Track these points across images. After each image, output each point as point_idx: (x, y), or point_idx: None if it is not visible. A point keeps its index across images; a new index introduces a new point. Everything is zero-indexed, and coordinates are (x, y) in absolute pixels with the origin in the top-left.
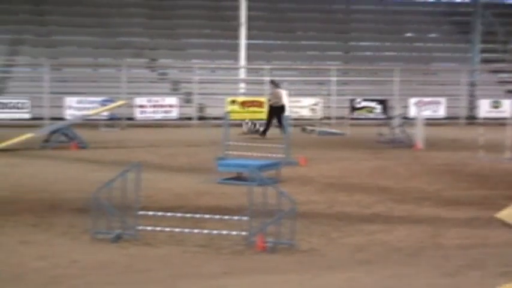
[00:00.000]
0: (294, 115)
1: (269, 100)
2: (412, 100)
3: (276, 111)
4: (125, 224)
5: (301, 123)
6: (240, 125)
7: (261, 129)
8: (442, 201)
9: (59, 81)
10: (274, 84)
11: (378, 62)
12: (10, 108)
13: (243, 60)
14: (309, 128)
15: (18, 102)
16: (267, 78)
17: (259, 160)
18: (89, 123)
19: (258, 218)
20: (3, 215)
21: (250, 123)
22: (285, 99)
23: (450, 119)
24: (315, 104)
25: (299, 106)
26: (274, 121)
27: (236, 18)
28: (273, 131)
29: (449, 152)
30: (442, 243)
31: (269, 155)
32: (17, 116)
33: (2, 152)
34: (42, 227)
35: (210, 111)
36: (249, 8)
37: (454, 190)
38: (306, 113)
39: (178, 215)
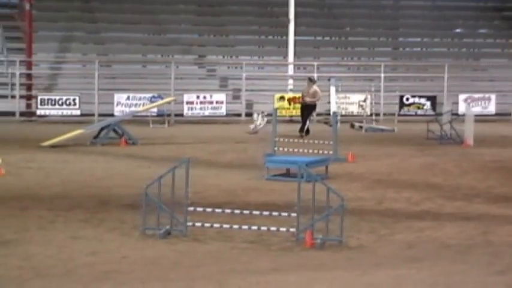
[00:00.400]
0: (343, 111)
1: (303, 96)
2: (462, 96)
3: (308, 108)
4: (174, 220)
5: (350, 120)
6: (293, 122)
7: (257, 126)
8: (493, 198)
9: (108, 77)
10: (312, 81)
11: (426, 58)
12: (60, 104)
13: (291, 57)
14: (358, 124)
15: (68, 99)
16: (316, 75)
17: (308, 156)
18: (138, 119)
19: (307, 215)
20: (54, 211)
21: (258, 120)
22: (332, 97)
23: (500, 115)
24: (364, 101)
25: (347, 102)
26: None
27: (284, 14)
28: (318, 127)
29: (500, 149)
30: (493, 240)
31: (317, 151)
32: (67, 112)
33: (53, 148)
34: (93, 222)
35: (259, 108)
36: (297, 4)
37: (505, 187)
38: (354, 109)
39: (227, 211)
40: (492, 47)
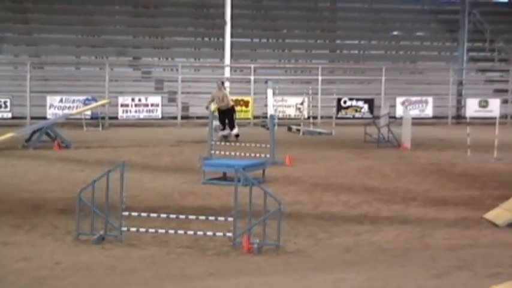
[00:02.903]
0: (280, 114)
1: (215, 103)
2: (399, 99)
3: (227, 113)
4: (108, 225)
5: (287, 123)
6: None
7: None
8: (430, 202)
9: (40, 79)
10: (223, 85)
11: (364, 60)
12: None
13: (227, 59)
14: (295, 127)
15: None
16: (253, 77)
17: (245, 160)
18: (71, 122)
19: (244, 219)
20: None
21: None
22: (270, 99)
23: (437, 119)
24: (301, 103)
25: (285, 105)
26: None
27: (221, 16)
28: (255, 131)
29: (437, 152)
30: (430, 244)
31: (254, 154)
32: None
33: None
34: (25, 228)
35: (194, 110)
36: (234, 6)
37: (442, 190)
38: (291, 112)
39: (163, 215)
40: (429, 50)
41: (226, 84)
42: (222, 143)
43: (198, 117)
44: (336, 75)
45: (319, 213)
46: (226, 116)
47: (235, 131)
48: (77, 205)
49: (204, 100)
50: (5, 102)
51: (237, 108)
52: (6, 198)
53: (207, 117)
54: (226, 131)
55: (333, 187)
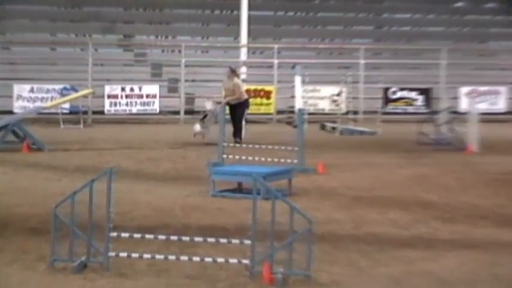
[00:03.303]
0: (311, 108)
1: (225, 96)
2: (464, 90)
3: (238, 109)
4: (92, 248)
5: (320, 119)
6: (247, 121)
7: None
8: (503, 221)
9: (5, 63)
10: (233, 72)
11: (418, 39)
12: None
13: (244, 38)
14: (330, 125)
15: None
16: (276, 61)
17: (265, 166)
18: (45, 118)
19: (264, 242)
20: None
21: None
22: (298, 90)
23: None
24: (338, 94)
25: (317, 97)
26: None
27: None
28: (279, 129)
29: (511, 157)
30: (502, 274)
31: (278, 159)
32: None
33: None
34: None
35: (201, 104)
36: None
37: None
38: (325, 105)
39: (161, 237)
40: (502, 26)
41: (242, 70)
42: (238, 145)
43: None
44: (382, 58)
45: (360, 235)
46: (236, 113)
47: (242, 133)
48: (52, 223)
49: (214, 90)
50: None
51: (257, 100)
52: None
53: (217, 113)
54: (197, 128)
55: (378, 202)
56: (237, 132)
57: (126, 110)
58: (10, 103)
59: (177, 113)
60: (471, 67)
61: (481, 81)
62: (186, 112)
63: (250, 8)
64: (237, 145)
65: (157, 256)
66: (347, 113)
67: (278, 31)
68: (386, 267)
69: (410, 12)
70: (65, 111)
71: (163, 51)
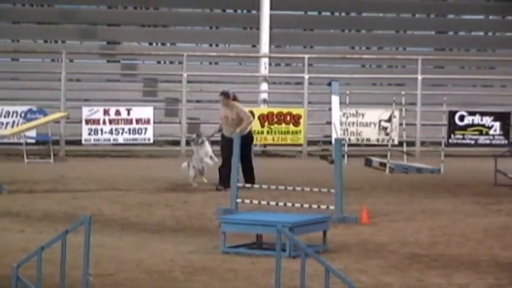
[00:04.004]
0: (353, 138)
1: (221, 126)
2: None
3: (245, 144)
4: None
5: (365, 152)
6: (268, 155)
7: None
8: None
9: None
10: (228, 97)
11: (494, 48)
12: None
13: (265, 45)
14: (378, 160)
15: None
16: (307, 76)
17: (293, 214)
18: (4, 149)
19: None
20: None
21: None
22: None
23: None
24: (388, 120)
25: (361, 123)
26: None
27: None
28: (311, 165)
29: None
30: None
31: (309, 205)
32: None
33: None
34: None
35: (208, 131)
36: None
37: None
38: (372, 134)
39: None
40: None
41: (262, 88)
42: (257, 186)
43: (214, 142)
44: (446, 72)
45: None
46: (243, 150)
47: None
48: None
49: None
50: None
51: (281, 127)
52: None
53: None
54: (192, 172)
55: (441, 262)
56: (226, 178)
57: (110, 140)
58: None
59: (177, 143)
60: None
61: None
62: (189, 142)
63: (272, 6)
64: (255, 186)
65: None
66: (400, 144)
67: (309, 36)
68: None
69: (483, 12)
70: (30, 140)
71: (159, 62)
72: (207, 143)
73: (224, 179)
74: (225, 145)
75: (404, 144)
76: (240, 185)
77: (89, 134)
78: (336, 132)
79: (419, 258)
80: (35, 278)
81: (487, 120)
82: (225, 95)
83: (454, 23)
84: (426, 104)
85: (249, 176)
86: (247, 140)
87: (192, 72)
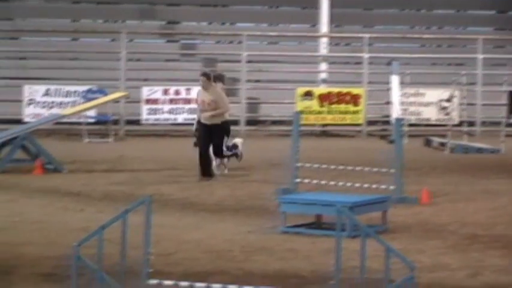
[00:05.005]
0: (412, 118)
1: (202, 109)
2: None
3: (216, 132)
4: None
5: (424, 132)
6: (327, 135)
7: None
8: None
9: (14, 58)
10: (209, 79)
11: None
12: None
13: (324, 25)
14: (438, 140)
15: None
16: (367, 55)
17: (352, 195)
18: (64, 129)
19: None
20: None
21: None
22: (395, 93)
23: None
24: (448, 100)
25: (420, 103)
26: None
27: None
28: (369, 145)
29: None
30: None
31: (369, 185)
32: None
33: None
34: None
35: (268, 111)
36: None
37: None
38: (432, 114)
39: (216, 286)
40: None
41: (321, 67)
42: (316, 166)
43: (275, 122)
44: (506, 52)
45: (478, 286)
46: (213, 138)
47: (224, 160)
48: (72, 268)
49: (284, 94)
50: None
51: (341, 107)
52: None
53: (288, 123)
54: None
55: (501, 242)
56: (207, 167)
57: (169, 120)
58: (19, 109)
59: (237, 123)
60: None
61: None
62: (249, 122)
63: None
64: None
65: None
66: (460, 124)
67: (369, 16)
68: None
69: None
70: (89, 120)
71: (218, 42)
72: None
73: (205, 168)
74: (200, 133)
75: (465, 124)
76: (298, 164)
77: (149, 113)
78: (396, 112)
79: (479, 239)
80: (95, 257)
81: None
82: (207, 76)
83: None
84: (486, 83)
85: (206, 168)
86: (219, 129)
87: (251, 51)
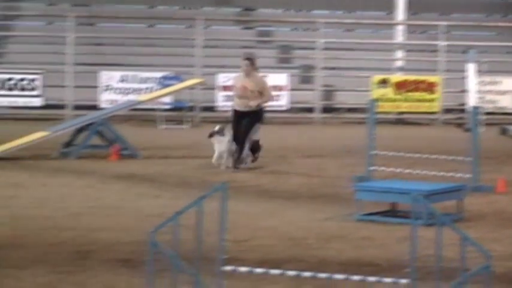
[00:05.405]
0: (489, 106)
1: (238, 96)
2: None
3: (250, 120)
4: (200, 286)
5: (501, 121)
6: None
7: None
8: None
9: (89, 43)
10: (253, 63)
11: None
12: (9, 88)
13: (401, 12)
14: None
15: (23, 80)
16: (443, 43)
17: (428, 183)
18: (140, 115)
19: (426, 282)
20: (1, 267)
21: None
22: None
23: None
24: None
25: (497, 91)
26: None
27: None
28: (445, 133)
29: None
30: None
31: (444, 174)
32: (21, 101)
33: None
34: None
35: (343, 99)
36: None
37: None
38: (508, 102)
39: (291, 273)
40: None
41: (397, 55)
42: (391, 153)
43: (350, 109)
44: None
45: None
46: (246, 125)
47: (246, 152)
48: (148, 253)
49: (360, 81)
50: (32, 81)
51: (416, 95)
52: (32, 239)
53: (363, 110)
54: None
55: None
56: (239, 155)
57: None
58: (95, 95)
59: (312, 110)
60: None
61: None
62: (324, 110)
63: None
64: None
65: None
66: None
67: (446, 3)
68: None
69: None
70: (165, 106)
71: (294, 29)
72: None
73: (237, 157)
74: (237, 121)
75: None
76: (374, 152)
77: (224, 100)
78: (472, 101)
79: None
80: (171, 243)
81: None
82: (251, 60)
83: None
84: None
85: (237, 153)
86: (254, 115)
87: (327, 39)
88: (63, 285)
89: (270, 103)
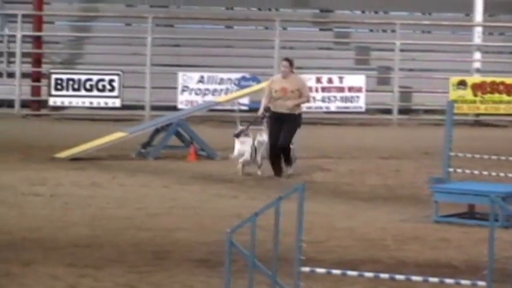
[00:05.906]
0: None
1: (274, 98)
2: None
3: (289, 123)
4: (277, 287)
5: None
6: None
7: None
8: None
9: (169, 45)
10: (292, 64)
11: None
12: (88, 89)
13: (479, 14)
14: None
15: (101, 80)
16: None
17: (505, 185)
18: (217, 116)
19: (505, 285)
20: (76, 267)
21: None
22: None
23: None
24: None
25: None
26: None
27: None
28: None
29: None
30: None
31: None
32: (100, 102)
33: (74, 162)
34: None
35: (420, 100)
36: None
37: None
38: None
39: (368, 274)
40: None
41: (475, 57)
42: (469, 155)
43: (427, 111)
44: None
45: None
46: (286, 128)
47: (290, 169)
48: (226, 254)
49: (438, 83)
50: (111, 82)
51: (494, 97)
52: (109, 239)
53: (441, 112)
54: (236, 154)
55: None
56: (285, 160)
57: (321, 108)
58: (174, 96)
59: (389, 111)
60: None
61: None
62: (401, 111)
63: None
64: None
65: None
66: None
67: None
68: None
69: None
70: (243, 107)
71: (371, 30)
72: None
73: (277, 164)
74: (275, 125)
75: None
76: (451, 154)
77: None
78: None
79: None
80: (248, 244)
81: None
82: (290, 62)
83: None
84: None
85: (284, 159)
86: (296, 118)
87: (404, 40)
88: (141, 285)
89: (307, 104)
